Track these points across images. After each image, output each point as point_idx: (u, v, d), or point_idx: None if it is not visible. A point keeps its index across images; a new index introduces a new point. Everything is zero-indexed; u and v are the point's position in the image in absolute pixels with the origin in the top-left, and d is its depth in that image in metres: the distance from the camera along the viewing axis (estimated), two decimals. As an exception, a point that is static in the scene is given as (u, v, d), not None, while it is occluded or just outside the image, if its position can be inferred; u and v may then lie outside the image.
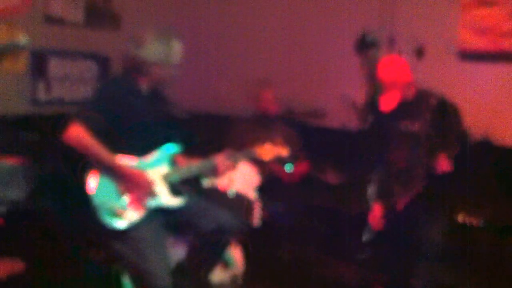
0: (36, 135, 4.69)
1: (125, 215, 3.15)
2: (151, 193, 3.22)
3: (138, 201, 3.19)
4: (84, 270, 3.95)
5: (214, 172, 3.44)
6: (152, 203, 3.22)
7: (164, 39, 3.28)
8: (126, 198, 3.17)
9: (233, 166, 3.48)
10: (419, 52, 4.42)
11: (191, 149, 3.54)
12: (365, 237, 3.42)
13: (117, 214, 3.13)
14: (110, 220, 3.13)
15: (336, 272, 4.16)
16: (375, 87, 3.56)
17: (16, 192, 4.30)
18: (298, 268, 4.38)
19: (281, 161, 4.18)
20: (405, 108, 3.53)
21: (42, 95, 5.24)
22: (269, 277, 4.21)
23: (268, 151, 3.56)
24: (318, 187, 4.62)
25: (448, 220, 3.54)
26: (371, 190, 3.51)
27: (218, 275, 3.85)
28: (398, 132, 3.55)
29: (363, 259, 3.38)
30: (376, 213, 3.54)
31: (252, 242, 4.20)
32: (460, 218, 3.71)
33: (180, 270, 3.46)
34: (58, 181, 4.44)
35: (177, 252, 3.58)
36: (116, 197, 3.16)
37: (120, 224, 3.13)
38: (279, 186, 4.59)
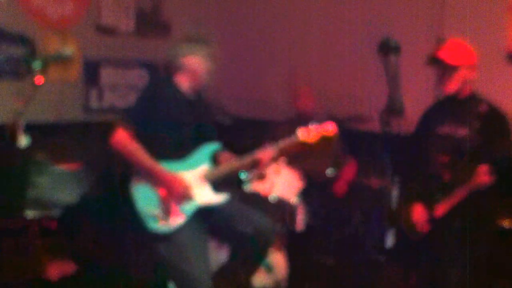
0: (89, 141, 4.83)
1: (167, 220, 3.22)
2: (187, 197, 3.27)
3: (175, 206, 3.25)
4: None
5: (258, 165, 3.42)
6: (188, 207, 3.27)
7: (194, 35, 3.42)
8: (168, 202, 3.24)
9: (276, 157, 3.43)
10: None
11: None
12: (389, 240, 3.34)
13: (159, 220, 3.21)
14: (153, 226, 3.21)
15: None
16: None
17: (68, 196, 4.45)
18: (340, 274, 4.38)
19: (322, 165, 4.15)
20: (453, 110, 3.40)
21: (94, 102, 5.40)
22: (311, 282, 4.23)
23: (313, 132, 3.43)
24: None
25: (492, 227, 3.40)
26: (404, 192, 3.39)
27: (260, 279, 3.88)
28: (442, 136, 3.42)
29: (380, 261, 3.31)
30: (418, 213, 3.41)
31: (294, 247, 4.22)
32: (506, 224, 3.60)
33: (221, 274, 3.51)
34: (109, 186, 4.57)
35: (219, 255, 3.63)
36: (157, 203, 3.24)
37: (163, 229, 3.20)
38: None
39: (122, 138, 3.20)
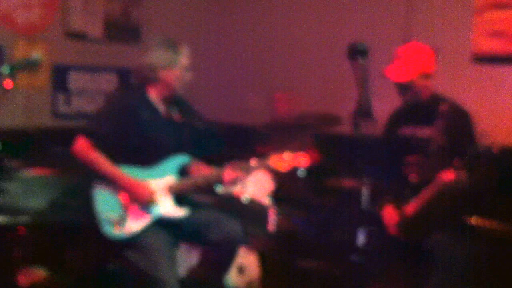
0: (57, 147, 4.79)
1: (125, 226, 3.22)
2: (152, 203, 3.28)
3: (137, 212, 3.25)
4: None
5: (222, 184, 3.45)
6: (153, 213, 3.28)
7: (169, 44, 3.37)
8: (126, 209, 3.24)
9: (242, 178, 3.44)
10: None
11: (212, 157, 3.58)
12: (362, 241, 3.38)
13: (116, 225, 3.21)
14: (110, 230, 3.21)
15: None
16: None
17: (38, 203, 4.40)
18: (315, 280, 4.38)
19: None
20: (416, 112, 3.51)
21: (62, 108, 5.38)
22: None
23: (286, 161, 3.43)
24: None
25: (459, 224, 3.47)
26: (372, 193, 3.44)
27: (233, 280, 3.89)
28: (407, 137, 3.52)
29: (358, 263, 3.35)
30: (389, 215, 3.46)
31: (271, 251, 4.23)
32: (473, 221, 3.65)
33: (192, 277, 3.52)
34: (78, 191, 4.53)
35: (190, 259, 3.63)
36: (117, 208, 3.24)
37: (117, 235, 3.21)
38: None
39: (82, 147, 3.25)
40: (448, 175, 3.20)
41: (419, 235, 3.36)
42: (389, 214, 3.47)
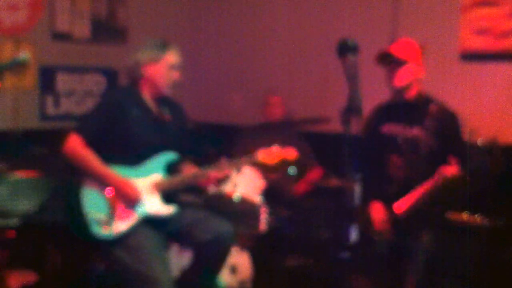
0: (46, 149, 4.77)
1: (112, 226, 3.20)
2: (137, 203, 3.26)
3: (125, 212, 3.24)
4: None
5: (211, 182, 3.44)
6: (139, 212, 3.26)
7: (157, 43, 3.41)
8: (114, 208, 3.22)
9: (231, 175, 3.45)
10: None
11: (200, 157, 3.58)
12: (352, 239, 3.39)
13: (104, 225, 3.19)
14: (95, 230, 3.18)
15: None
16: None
17: (26, 205, 4.37)
18: (304, 277, 4.39)
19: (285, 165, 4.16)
20: (403, 109, 3.51)
21: (50, 110, 5.36)
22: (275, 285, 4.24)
23: (273, 155, 3.48)
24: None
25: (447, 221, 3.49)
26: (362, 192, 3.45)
27: (225, 279, 3.89)
28: (393, 135, 3.52)
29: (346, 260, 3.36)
30: (377, 211, 3.48)
31: (259, 249, 4.23)
32: (464, 217, 3.68)
33: (184, 277, 3.50)
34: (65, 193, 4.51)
35: (181, 260, 3.62)
36: (104, 208, 3.22)
37: (105, 235, 3.18)
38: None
39: (75, 144, 3.22)
40: (449, 170, 3.25)
41: (408, 233, 3.38)
42: (377, 211, 3.49)
